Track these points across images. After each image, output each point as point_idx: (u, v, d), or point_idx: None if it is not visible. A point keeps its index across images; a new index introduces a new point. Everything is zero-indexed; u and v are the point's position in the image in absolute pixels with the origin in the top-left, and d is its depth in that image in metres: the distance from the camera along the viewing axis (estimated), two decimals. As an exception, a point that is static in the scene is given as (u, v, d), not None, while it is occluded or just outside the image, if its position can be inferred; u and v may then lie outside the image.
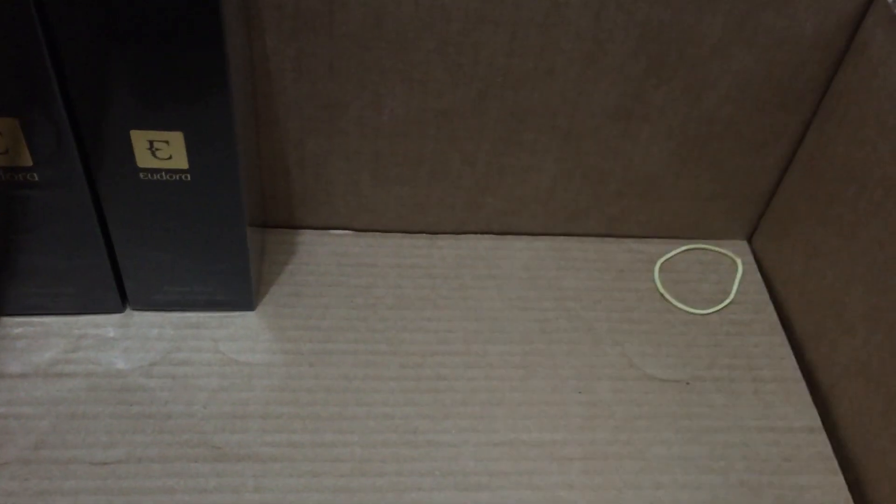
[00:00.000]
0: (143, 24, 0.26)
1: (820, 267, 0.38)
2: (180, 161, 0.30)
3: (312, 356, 0.36)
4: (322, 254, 0.40)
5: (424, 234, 0.42)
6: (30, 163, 0.29)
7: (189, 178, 0.31)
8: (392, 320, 0.37)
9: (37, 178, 0.30)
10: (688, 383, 0.37)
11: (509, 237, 0.42)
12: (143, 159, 0.30)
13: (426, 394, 0.35)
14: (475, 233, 0.42)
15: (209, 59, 0.28)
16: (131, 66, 0.27)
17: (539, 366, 0.36)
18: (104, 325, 0.35)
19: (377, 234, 0.41)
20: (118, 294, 0.35)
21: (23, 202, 0.31)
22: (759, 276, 0.42)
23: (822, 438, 0.35)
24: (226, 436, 0.32)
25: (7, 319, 0.35)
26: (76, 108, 0.28)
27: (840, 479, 0.34)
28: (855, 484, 0.34)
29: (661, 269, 0.42)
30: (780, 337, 0.39)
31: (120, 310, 0.36)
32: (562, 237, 0.42)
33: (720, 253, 0.43)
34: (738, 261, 0.42)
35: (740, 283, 0.41)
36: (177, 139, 0.30)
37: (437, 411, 0.34)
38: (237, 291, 0.36)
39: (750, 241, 0.44)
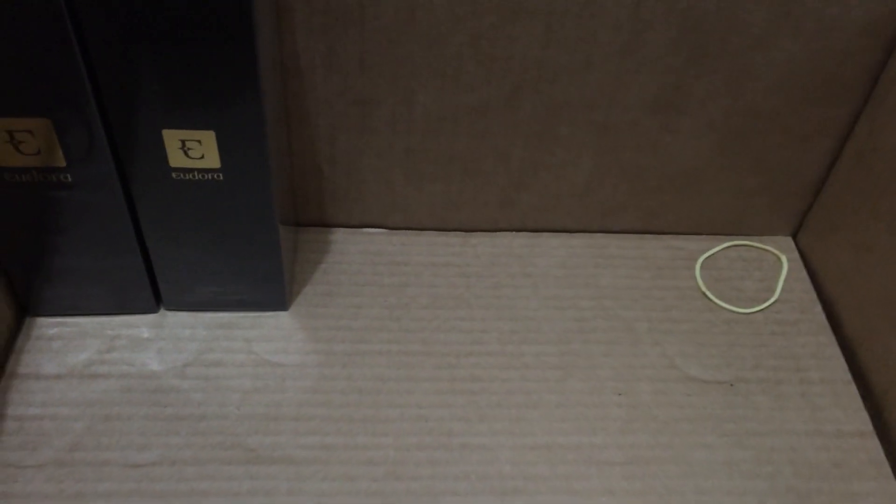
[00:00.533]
0: (174, 23, 0.26)
1: (871, 263, 0.36)
2: (212, 160, 0.30)
3: (345, 357, 0.35)
4: (354, 252, 0.40)
5: (458, 232, 0.41)
6: (63, 163, 0.29)
7: (221, 178, 0.31)
8: (426, 320, 0.37)
9: (70, 179, 0.30)
10: (732, 385, 0.35)
11: (545, 234, 0.41)
12: (176, 159, 0.30)
13: (461, 395, 0.34)
14: (510, 230, 0.41)
15: (240, 58, 0.27)
16: (162, 65, 0.27)
17: (576, 367, 0.36)
18: (138, 326, 0.35)
19: (410, 232, 0.41)
20: (152, 294, 0.35)
21: (56, 203, 0.31)
22: (805, 273, 0.40)
23: (875, 443, 0.34)
24: (259, 438, 0.32)
25: (42, 320, 0.35)
26: (108, 108, 0.28)
27: (894, 486, 0.32)
28: (910, 491, 0.33)
29: (702, 267, 0.40)
30: (829, 337, 0.38)
31: (154, 310, 0.36)
32: (599, 234, 0.41)
33: (764, 249, 0.42)
34: (783, 257, 0.41)
35: (785, 280, 0.40)
36: (209, 138, 0.29)
37: (472, 413, 0.33)
38: (270, 291, 0.36)
39: (795, 237, 0.42)
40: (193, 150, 0.30)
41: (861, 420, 0.34)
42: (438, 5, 0.32)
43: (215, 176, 0.31)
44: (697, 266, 0.40)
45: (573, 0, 0.32)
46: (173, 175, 0.30)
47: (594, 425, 0.33)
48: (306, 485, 0.31)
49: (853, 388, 0.36)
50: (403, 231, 0.41)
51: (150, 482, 0.30)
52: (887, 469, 0.33)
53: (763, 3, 0.33)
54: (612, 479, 0.32)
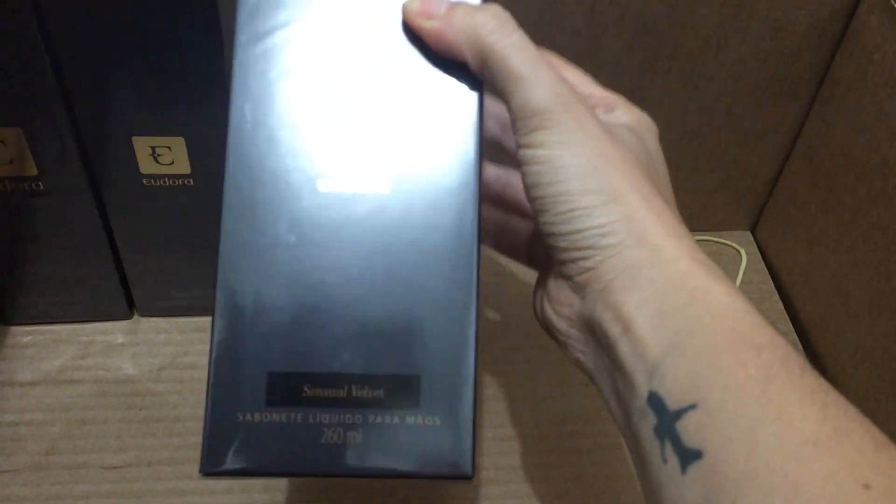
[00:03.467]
0: (143, 32, 0.27)
1: (823, 254, 0.38)
2: (182, 166, 0.31)
3: (319, 357, 0.36)
4: (326, 256, 0.40)
5: (427, 234, 0.42)
6: (35, 172, 0.30)
7: (192, 183, 0.31)
8: (397, 320, 0.38)
9: (42, 188, 0.30)
10: (694, 374, 0.37)
11: (512, 234, 0.42)
12: (146, 165, 0.31)
13: (432, 391, 0.35)
14: (478, 231, 0.42)
15: (209, 65, 0.28)
16: (132, 74, 0.28)
17: (544, 360, 0.36)
18: (112, 332, 0.36)
19: (380, 235, 0.42)
20: (125, 300, 0.36)
21: (29, 211, 0.31)
22: (763, 265, 0.42)
23: (831, 425, 0.35)
24: (234, 437, 0.32)
25: (16, 328, 0.35)
26: (79, 116, 0.29)
27: (849, 466, 0.34)
28: (865, 470, 0.34)
29: (664, 262, 0.42)
30: (786, 325, 0.39)
31: (127, 316, 0.36)
32: (564, 233, 0.42)
33: (724, 244, 0.43)
34: (742, 251, 0.42)
35: (745, 272, 0.41)
36: (178, 145, 0.30)
37: (443, 408, 0.34)
38: (242, 295, 0.36)
39: (753, 231, 0.44)
40: (163, 157, 0.30)
41: (817, 404, 0.36)
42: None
43: (186, 182, 0.31)
44: (660, 261, 0.41)
45: (531, 6, 0.33)
46: (144, 182, 0.31)
47: (563, 415, 0.34)
48: (281, 482, 0.31)
49: (810, 374, 0.37)
50: (374, 234, 0.41)
51: (127, 483, 0.31)
52: (843, 449, 0.34)
53: (713, 6, 0.34)
54: (580, 466, 0.33)
